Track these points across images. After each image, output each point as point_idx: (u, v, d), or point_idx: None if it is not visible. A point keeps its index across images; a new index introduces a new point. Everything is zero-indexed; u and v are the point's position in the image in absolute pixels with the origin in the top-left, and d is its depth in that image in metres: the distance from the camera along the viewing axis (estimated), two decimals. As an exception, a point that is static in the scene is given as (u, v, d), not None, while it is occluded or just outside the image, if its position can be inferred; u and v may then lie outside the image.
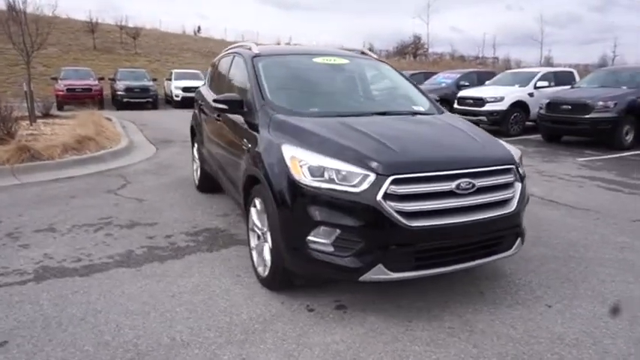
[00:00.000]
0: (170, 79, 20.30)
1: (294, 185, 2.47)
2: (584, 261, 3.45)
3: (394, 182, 2.32)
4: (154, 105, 18.56)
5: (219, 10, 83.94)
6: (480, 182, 2.49)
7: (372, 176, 2.32)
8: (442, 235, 2.40)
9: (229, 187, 3.82)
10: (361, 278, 2.39)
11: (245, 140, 3.16)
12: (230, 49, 4.81)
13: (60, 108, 15.67)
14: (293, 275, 2.71)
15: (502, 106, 11.13)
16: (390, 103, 3.65)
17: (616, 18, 62.38)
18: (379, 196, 2.30)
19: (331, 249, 2.40)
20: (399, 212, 2.31)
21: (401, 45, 43.78)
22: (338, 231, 2.37)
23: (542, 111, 9.87)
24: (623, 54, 40.03)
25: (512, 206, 2.62)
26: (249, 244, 3.20)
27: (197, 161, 5.28)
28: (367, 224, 2.33)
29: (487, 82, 13.23)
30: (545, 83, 11.66)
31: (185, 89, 19.18)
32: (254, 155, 2.96)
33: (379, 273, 2.36)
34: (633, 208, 4.93)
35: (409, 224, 2.31)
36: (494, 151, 2.74)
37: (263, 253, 2.91)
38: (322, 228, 2.40)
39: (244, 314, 2.64)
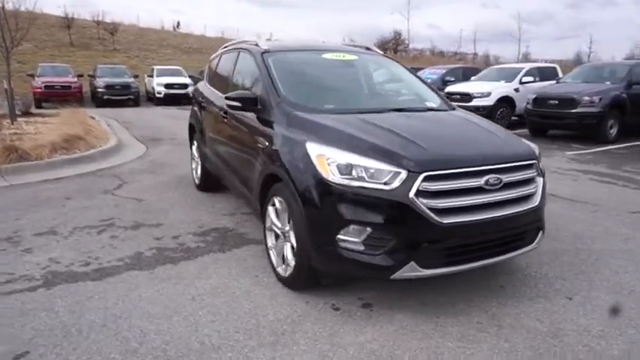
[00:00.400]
0: (152, 76, 19.88)
1: (322, 184, 2.43)
2: (593, 253, 3.52)
3: (426, 179, 2.31)
4: (135, 102, 18.17)
5: (196, 6, 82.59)
6: (506, 178, 2.50)
7: (404, 173, 2.31)
8: (472, 231, 2.40)
9: (238, 185, 3.76)
10: (393, 276, 2.38)
11: (261, 138, 3.10)
12: (231, 45, 4.73)
13: (38, 106, 15.18)
14: (319, 274, 2.67)
15: (489, 101, 11.30)
16: (403, 100, 3.64)
17: (589, 15, 64.09)
18: (412, 194, 2.29)
19: (362, 247, 2.37)
20: (431, 209, 2.30)
21: (381, 41, 43.98)
22: (369, 229, 2.34)
23: (529, 106, 10.05)
24: (596, 50, 41.03)
25: (536, 201, 2.64)
26: (265, 244, 3.15)
27: (197, 160, 5.18)
28: (399, 222, 2.31)
29: (473, 78, 13.39)
30: (531, 78, 11.88)
31: (167, 86, 18.87)
32: (272, 153, 2.91)
33: (411, 270, 2.36)
34: (629, 200, 5.07)
35: (441, 221, 2.31)
36: (517, 146, 2.76)
37: (284, 252, 2.87)
38: (352, 226, 2.37)
39: (270, 315, 2.60)
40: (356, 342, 2.34)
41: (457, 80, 13.88)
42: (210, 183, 5.10)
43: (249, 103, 3.25)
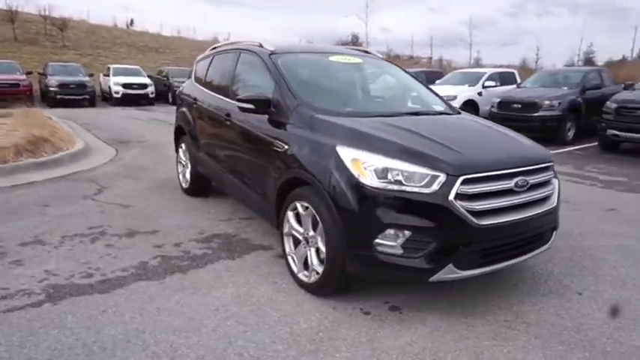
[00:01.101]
0: (107, 75, 19.01)
1: (359, 188, 2.41)
2: (588, 249, 3.72)
3: (464, 182, 2.34)
4: (91, 102, 17.31)
5: (148, 3, 79.75)
6: (531, 180, 2.59)
7: (442, 177, 2.33)
8: (504, 232, 2.47)
9: (244, 190, 3.65)
10: (432, 279, 2.40)
11: (278, 141, 3.03)
12: (226, 45, 4.64)
13: (-18, 106, 14.07)
14: (351, 279, 2.65)
15: (455, 104, 11.69)
16: (413, 103, 3.68)
17: (527, 23, 67.89)
18: (451, 196, 2.32)
19: (400, 251, 2.37)
20: (469, 211, 2.34)
21: (339, 43, 44.35)
22: (408, 232, 2.35)
23: (494, 109, 10.48)
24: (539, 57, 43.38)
25: (554, 201, 2.76)
26: (283, 250, 3.09)
27: (187, 163, 4.99)
28: (439, 224, 2.33)
29: (438, 82, 13.81)
30: (493, 83, 12.42)
31: (125, 86, 18.13)
32: (293, 156, 2.85)
33: (449, 272, 2.39)
34: (600, 198, 5.40)
35: (478, 223, 2.35)
36: (538, 149, 2.87)
37: (308, 258, 2.82)
38: (391, 230, 2.37)
39: (302, 323, 2.54)
40: (396, 346, 2.34)
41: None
42: (200, 187, 4.94)
43: (263, 105, 3.17)
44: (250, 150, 3.48)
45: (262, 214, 3.46)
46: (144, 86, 18.48)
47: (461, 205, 2.33)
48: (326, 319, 2.59)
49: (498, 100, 10.47)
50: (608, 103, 8.71)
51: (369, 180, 2.40)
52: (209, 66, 4.66)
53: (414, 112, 3.26)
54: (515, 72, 13.89)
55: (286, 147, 2.95)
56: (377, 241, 2.39)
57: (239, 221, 4.26)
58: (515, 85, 12.11)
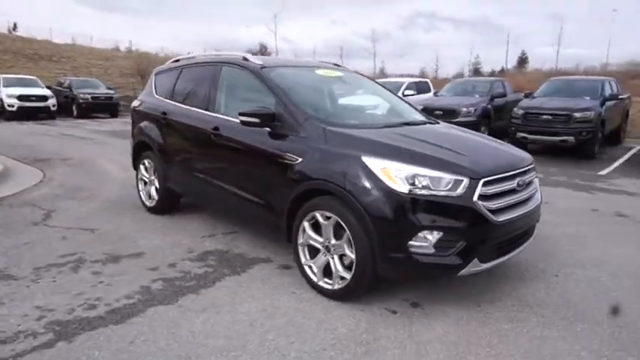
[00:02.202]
0: (-3, 86, 16.88)
1: (392, 195, 2.58)
2: (543, 239, 4.27)
3: (484, 184, 2.63)
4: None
5: (26, 7, 71.79)
6: (526, 179, 2.98)
7: (466, 181, 2.59)
8: (512, 226, 2.80)
9: (239, 204, 3.60)
10: (460, 273, 2.65)
11: (289, 154, 3.08)
12: (194, 58, 4.53)
13: None
14: (378, 281, 2.79)
15: (381, 112, 12.42)
16: (400, 113, 3.92)
17: (417, 36, 73.71)
18: (475, 198, 2.59)
19: (433, 250, 2.58)
20: (489, 210, 2.63)
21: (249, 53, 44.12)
22: (440, 233, 2.57)
23: (418, 116, 11.33)
24: (428, 68, 47.08)
25: (539, 197, 3.18)
26: (298, 260, 3.13)
27: (152, 180, 4.74)
28: (466, 224, 2.59)
29: (359, 92, 14.50)
30: (411, 92, 13.39)
31: (21, 98, 16.34)
32: (310, 168, 2.93)
33: (474, 266, 2.65)
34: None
35: (496, 219, 2.65)
36: (522, 153, 3.27)
37: (332, 265, 2.90)
38: (424, 232, 2.56)
39: (341, 328, 2.63)
40: (434, 338, 2.54)
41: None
42: (168, 205, 4.73)
43: (268, 119, 3.20)
44: (249, 164, 3.47)
45: (265, 227, 3.46)
46: (44, 98, 16.75)
47: (482, 205, 2.61)
48: (360, 321, 2.70)
49: (421, 107, 11.30)
50: (515, 109, 9.93)
51: (401, 187, 2.58)
52: (177, 79, 4.50)
53: (408, 123, 3.52)
54: (429, 81, 15.13)
55: (299, 159, 3.02)
56: (411, 243, 2.58)
57: (223, 236, 4.17)
58: (432, 94, 13.20)
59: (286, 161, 3.11)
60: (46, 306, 2.83)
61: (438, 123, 3.89)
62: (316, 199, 2.94)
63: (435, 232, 2.57)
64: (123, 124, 16.18)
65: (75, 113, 17.98)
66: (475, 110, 10.71)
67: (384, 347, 2.44)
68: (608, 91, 10.14)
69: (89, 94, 18.07)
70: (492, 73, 40.22)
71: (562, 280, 3.35)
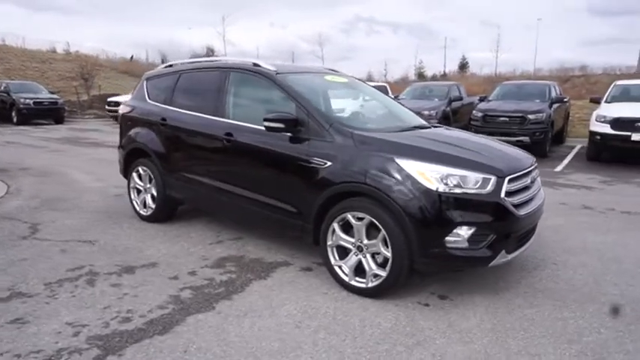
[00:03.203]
0: None
1: (430, 194, 2.74)
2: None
3: (509, 182, 2.87)
4: None
5: None
6: (535, 176, 3.26)
7: (494, 179, 2.81)
8: (529, 220, 3.05)
9: (256, 210, 3.62)
10: (490, 264, 2.86)
11: (316, 159, 3.16)
12: (192, 64, 4.49)
13: None
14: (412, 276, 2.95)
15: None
16: (405, 117, 4.10)
17: (357, 41, 75.25)
18: (502, 194, 2.81)
19: (466, 244, 2.77)
20: (513, 205, 2.87)
21: (194, 56, 43.12)
22: (473, 228, 2.76)
23: (382, 119, 11.71)
24: (375, 71, 48.27)
25: (543, 194, 3.48)
26: (328, 262, 3.21)
27: (148, 188, 4.61)
28: (496, 219, 2.80)
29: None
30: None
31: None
32: (341, 172, 3.03)
33: (502, 257, 2.88)
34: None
35: (519, 213, 2.90)
36: (526, 153, 3.55)
37: (365, 264, 3.02)
38: (459, 227, 2.75)
39: (384, 323, 2.75)
40: (472, 326, 2.73)
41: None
42: (167, 213, 4.63)
43: (291, 124, 3.26)
44: (269, 168, 3.50)
45: (288, 231, 3.51)
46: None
47: (509, 201, 2.85)
48: (399, 316, 2.84)
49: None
50: (474, 112, 10.54)
51: (436, 186, 2.75)
52: (175, 85, 4.42)
53: (417, 126, 3.71)
54: (387, 86, 15.63)
55: (328, 163, 3.11)
56: (447, 238, 2.76)
57: (232, 242, 4.15)
58: (392, 98, 13.66)
59: (313, 165, 3.19)
60: (77, 321, 2.72)
61: (439, 127, 4.13)
62: (347, 201, 3.04)
63: (469, 228, 2.77)
64: (71, 130, 15.34)
65: (15, 120, 16.74)
66: (436, 113, 11.24)
67: (431, 337, 2.60)
68: (553, 95, 11.04)
69: (31, 99, 16.88)
70: (435, 77, 42.07)
71: (561, 267, 3.68)
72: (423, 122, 4.01)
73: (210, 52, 44.81)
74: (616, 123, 8.62)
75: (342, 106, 3.79)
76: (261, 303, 3.00)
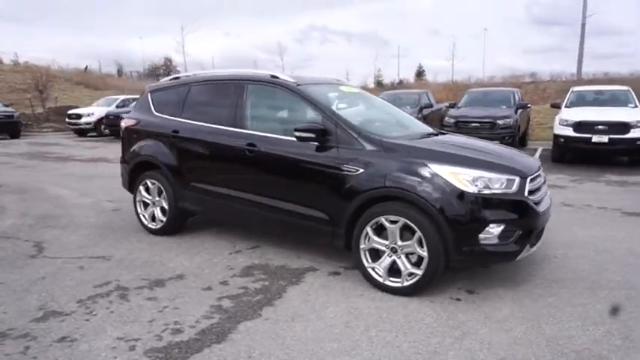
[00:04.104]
0: None
1: (464, 196, 2.95)
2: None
3: (530, 182, 3.13)
4: None
5: None
6: (544, 177, 3.56)
7: (518, 180, 3.07)
8: (545, 216, 3.34)
9: (282, 218, 3.71)
10: (517, 258, 3.11)
11: (348, 166, 3.30)
12: (202, 75, 4.52)
13: None
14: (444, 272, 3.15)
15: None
16: (417, 125, 4.32)
17: (312, 49, 75.98)
18: (526, 193, 3.08)
19: (497, 241, 3.00)
20: (534, 203, 3.14)
21: (153, 67, 42.20)
22: (502, 225, 3.00)
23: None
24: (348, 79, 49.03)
25: (549, 194, 3.79)
26: (362, 265, 3.34)
27: (157, 201, 4.57)
28: (521, 215, 3.06)
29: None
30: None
31: None
32: (375, 178, 3.19)
33: (527, 251, 3.14)
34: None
35: (540, 210, 3.17)
36: (530, 156, 3.86)
37: (400, 265, 3.18)
38: (491, 225, 2.98)
39: (427, 318, 2.92)
40: (505, 316, 2.95)
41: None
42: (178, 225, 4.61)
43: (321, 134, 3.39)
44: (297, 177, 3.59)
45: (317, 238, 3.61)
46: None
47: (531, 200, 3.11)
48: (438, 311, 3.02)
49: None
50: (447, 118, 11.05)
51: (470, 188, 2.97)
52: (186, 97, 4.43)
53: (431, 134, 3.94)
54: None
55: (360, 170, 3.26)
56: (481, 236, 2.98)
57: (250, 251, 4.20)
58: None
59: (344, 173, 3.33)
60: (128, 336, 2.71)
61: (445, 133, 4.39)
62: (380, 206, 3.20)
63: (498, 225, 3.00)
64: (32, 145, 14.65)
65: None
66: (410, 120, 11.67)
67: (474, 328, 2.80)
68: (517, 101, 11.77)
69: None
70: (393, 85, 43.30)
71: (563, 259, 4.00)
72: (432, 129, 4.25)
73: (169, 61, 44.03)
74: (578, 126, 9.33)
75: (361, 115, 3.95)
76: (304, 307, 3.09)
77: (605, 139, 9.08)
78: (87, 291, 3.34)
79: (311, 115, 3.61)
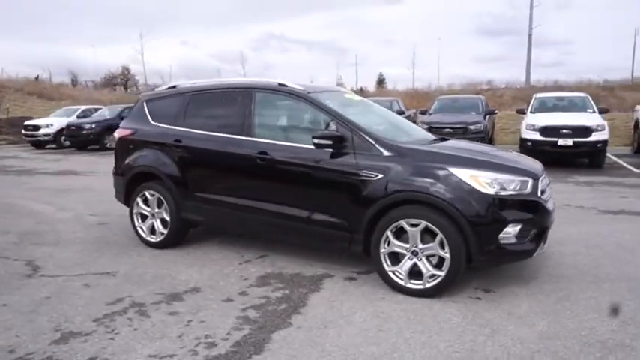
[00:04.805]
0: None
1: (484, 198, 3.08)
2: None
3: (540, 183, 3.31)
4: None
5: None
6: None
7: (531, 181, 3.23)
8: (553, 215, 3.52)
9: (295, 226, 3.71)
10: (533, 255, 3.26)
11: (367, 172, 3.36)
12: (203, 84, 4.46)
13: None
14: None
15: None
16: (417, 132, 4.43)
17: (270, 58, 75.91)
18: (539, 194, 3.24)
19: (515, 240, 3.14)
20: (544, 202, 3.31)
21: (109, 76, 40.67)
22: (520, 225, 3.14)
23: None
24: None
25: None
26: (383, 269, 3.39)
27: (158, 213, 4.43)
28: (536, 215, 3.22)
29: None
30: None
31: None
32: (396, 182, 3.26)
33: (541, 248, 3.31)
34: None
35: (550, 210, 3.35)
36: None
37: (421, 267, 3.25)
38: (510, 225, 3.11)
39: (455, 318, 3.00)
40: (527, 312, 3.08)
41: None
42: (180, 237, 4.50)
43: (338, 140, 3.44)
44: (313, 184, 3.60)
45: (334, 244, 3.63)
46: None
47: (543, 200, 3.29)
48: (462, 310, 3.11)
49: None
50: (419, 124, 11.35)
51: (488, 190, 3.10)
52: (187, 106, 4.35)
53: (436, 140, 4.07)
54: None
55: (380, 175, 3.33)
56: (501, 235, 3.11)
57: (260, 260, 4.16)
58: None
59: (363, 178, 3.38)
60: (160, 353, 2.62)
61: (448, 139, 4.53)
62: (400, 210, 3.27)
63: (516, 225, 3.15)
64: (-12, 159, 13.76)
65: None
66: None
67: (501, 325, 2.91)
68: (484, 107, 12.29)
69: None
70: (355, 93, 43.93)
71: (561, 256, 4.22)
72: (433, 136, 4.40)
73: (126, 70, 42.61)
74: (544, 131, 9.87)
75: (370, 121, 4.02)
76: (332, 313, 3.10)
77: (569, 142, 9.66)
78: (101, 309, 3.20)
79: (325, 122, 3.64)
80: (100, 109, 18.34)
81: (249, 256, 4.28)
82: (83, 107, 18.47)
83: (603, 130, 9.75)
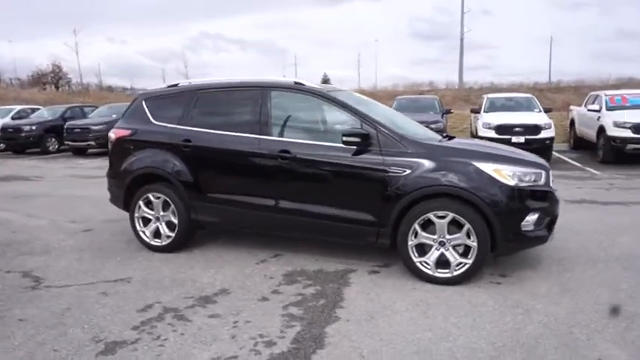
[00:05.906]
0: None
1: (509, 189, 3.31)
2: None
3: (550, 174, 3.61)
4: None
5: None
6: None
7: (544, 173, 3.52)
8: (559, 205, 3.85)
9: (317, 224, 3.76)
10: (548, 240, 3.55)
11: (395, 167, 3.48)
12: (208, 83, 4.37)
13: None
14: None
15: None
16: (423, 129, 4.60)
17: (206, 57, 73.79)
18: (551, 184, 3.54)
19: (533, 227, 3.41)
20: (555, 192, 3.62)
21: (39, 74, 37.59)
22: (537, 213, 3.41)
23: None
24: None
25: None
26: (410, 260, 3.53)
27: (164, 216, 4.27)
28: (550, 204, 3.51)
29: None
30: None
31: None
32: (425, 177, 3.41)
33: (552, 235, 3.60)
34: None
35: (559, 199, 3.66)
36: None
37: (449, 257, 3.42)
38: (530, 213, 3.37)
39: (489, 302, 3.19)
40: (547, 292, 3.36)
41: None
42: (187, 239, 4.37)
43: (365, 138, 3.53)
44: (339, 181, 3.67)
45: (359, 240, 3.72)
46: None
47: (554, 190, 3.59)
48: (492, 294, 3.32)
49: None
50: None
51: (510, 182, 3.34)
52: (194, 105, 4.23)
53: (446, 137, 4.27)
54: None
55: (407, 171, 3.47)
56: (523, 223, 3.36)
57: (275, 259, 4.15)
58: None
59: (391, 174, 3.50)
60: (223, 355, 2.58)
61: (454, 137, 4.74)
62: (426, 203, 3.43)
63: (534, 213, 3.42)
64: None
65: None
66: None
67: (530, 305, 3.15)
68: (440, 107, 12.92)
69: None
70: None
71: (557, 243, 4.45)
72: (439, 134, 4.62)
73: (57, 68, 39.57)
74: (499, 129, 10.58)
75: (387, 119, 4.14)
76: (373, 305, 3.19)
77: (522, 139, 10.41)
78: (133, 316, 3.06)
79: (348, 120, 3.72)
80: (37, 109, 17.03)
81: (263, 255, 4.25)
82: (18, 107, 17.01)
83: (550, 127, 10.64)
